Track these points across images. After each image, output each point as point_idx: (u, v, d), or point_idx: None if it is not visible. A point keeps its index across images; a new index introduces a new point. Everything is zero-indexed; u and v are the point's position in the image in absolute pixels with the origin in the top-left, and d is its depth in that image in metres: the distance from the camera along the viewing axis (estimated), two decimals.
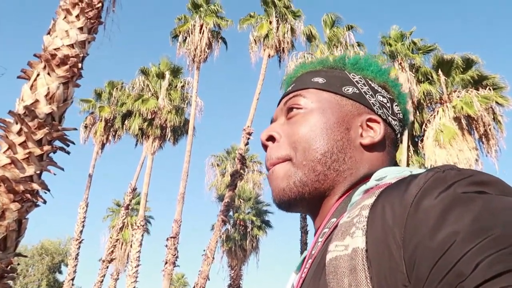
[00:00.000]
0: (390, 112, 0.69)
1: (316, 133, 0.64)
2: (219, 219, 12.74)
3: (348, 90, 0.68)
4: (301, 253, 16.93)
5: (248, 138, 14.20)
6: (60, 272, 31.65)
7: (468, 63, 14.61)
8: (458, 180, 0.43)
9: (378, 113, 0.67)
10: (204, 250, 12.12)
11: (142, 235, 16.73)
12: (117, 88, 19.64)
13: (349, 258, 0.45)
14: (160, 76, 18.65)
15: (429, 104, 16.02)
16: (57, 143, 5.15)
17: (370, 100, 0.68)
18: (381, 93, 0.69)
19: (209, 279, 11.88)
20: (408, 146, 15.34)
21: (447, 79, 15.28)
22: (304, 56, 16.56)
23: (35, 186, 4.55)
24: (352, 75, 0.70)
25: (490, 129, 13.55)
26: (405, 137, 15.11)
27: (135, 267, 15.92)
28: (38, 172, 4.66)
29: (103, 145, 20.30)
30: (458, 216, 0.39)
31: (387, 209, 0.45)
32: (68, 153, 5.28)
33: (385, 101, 0.69)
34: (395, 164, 0.69)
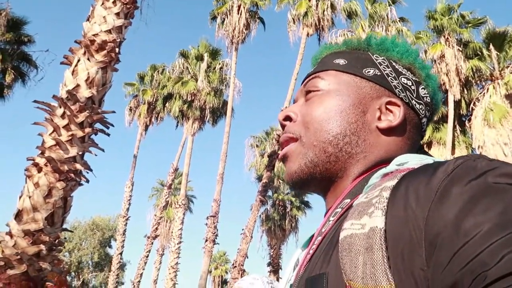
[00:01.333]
0: (415, 96, 0.66)
1: (330, 114, 0.64)
2: (257, 199, 12.92)
3: (369, 72, 0.66)
4: None
5: None
6: (110, 247, 33.57)
7: None
8: (490, 169, 0.42)
9: (400, 96, 0.65)
10: (242, 229, 12.38)
11: (184, 214, 17.34)
12: (158, 71, 20.12)
13: (366, 237, 0.45)
14: (199, 58, 18.87)
15: (478, 82, 15.15)
16: (98, 126, 5.41)
17: (392, 82, 0.66)
18: (405, 75, 0.67)
19: (247, 257, 12.17)
20: (454, 126, 14.67)
21: (499, 54, 14.33)
22: (344, 34, 16.09)
23: (78, 166, 4.83)
24: (376, 56, 0.68)
25: None
26: (450, 117, 14.44)
27: (177, 243, 16.58)
28: (80, 153, 4.94)
29: (146, 127, 21.01)
30: (487, 206, 0.38)
31: (411, 192, 0.44)
32: (108, 135, 5.53)
33: (410, 84, 0.67)
34: (419, 149, 0.67)
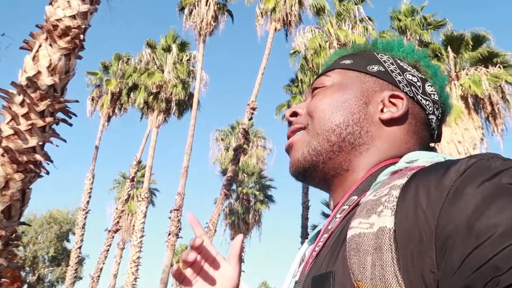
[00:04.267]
0: (421, 91, 0.67)
1: (332, 104, 0.65)
2: (221, 192, 12.90)
3: (373, 68, 0.67)
4: (303, 227, 17.20)
5: (252, 113, 14.17)
6: (68, 241, 32.47)
7: (478, 40, 14.29)
8: (504, 169, 0.41)
9: (405, 90, 0.66)
10: (206, 223, 12.34)
11: (147, 207, 17.03)
12: (123, 61, 19.55)
13: (375, 237, 0.44)
14: (167, 49, 18.49)
15: None
16: (60, 115, 5.20)
17: (396, 77, 0.66)
18: (410, 72, 0.68)
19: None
20: None
21: (456, 56, 14.99)
22: (312, 30, 16.28)
23: (38, 157, 4.63)
24: (381, 55, 0.70)
25: (498, 108, 13.39)
26: None
27: (140, 237, 16.28)
28: (40, 143, 4.72)
29: (109, 118, 20.40)
30: (501, 208, 0.37)
31: (421, 191, 0.43)
32: (70, 125, 5.33)
33: (415, 80, 0.67)
34: (427, 146, 0.67)
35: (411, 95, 0.66)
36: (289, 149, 0.67)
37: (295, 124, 0.68)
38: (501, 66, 13.54)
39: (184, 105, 18.55)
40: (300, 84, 17.64)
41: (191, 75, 18.63)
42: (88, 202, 18.27)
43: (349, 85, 0.66)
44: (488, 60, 13.91)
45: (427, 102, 0.67)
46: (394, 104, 0.64)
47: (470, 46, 14.36)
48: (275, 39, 15.18)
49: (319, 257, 0.54)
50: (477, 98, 13.81)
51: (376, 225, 0.44)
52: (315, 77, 0.75)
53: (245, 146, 14.28)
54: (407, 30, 15.53)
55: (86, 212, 18.00)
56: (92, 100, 20.63)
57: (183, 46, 18.61)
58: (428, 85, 0.68)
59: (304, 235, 16.79)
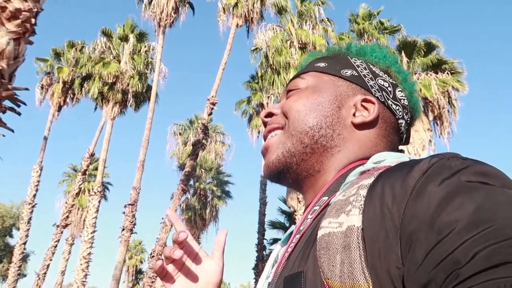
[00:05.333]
0: (391, 96, 0.68)
1: (306, 106, 0.66)
2: (178, 187, 12.71)
3: (347, 72, 0.69)
4: (260, 223, 17.34)
5: (212, 108, 14.06)
6: (11, 236, 30.74)
7: (430, 47, 15.01)
8: (463, 168, 0.43)
9: (376, 95, 0.67)
10: (162, 218, 12.12)
11: (99, 201, 16.44)
12: (76, 49, 18.70)
13: (343, 236, 0.45)
14: (124, 39, 17.89)
15: None
16: (7, 103, 4.89)
17: (368, 82, 0.68)
18: (382, 77, 0.69)
19: (167, 247, 11.95)
20: None
21: (409, 61, 15.67)
22: (273, 28, 16.38)
23: None
24: (354, 59, 0.71)
25: (444, 112, 14.15)
26: None
27: (91, 233, 15.69)
28: None
29: (60, 108, 19.46)
30: (460, 204, 0.39)
31: (387, 190, 0.45)
32: (19, 114, 5.04)
33: (386, 85, 0.69)
34: (395, 150, 0.68)
35: (382, 100, 0.67)
36: (264, 152, 0.68)
37: (272, 124, 0.69)
38: (449, 72, 14.32)
39: (141, 97, 18.06)
40: (260, 80, 17.71)
41: (149, 67, 18.16)
42: (34, 195, 17.34)
43: (323, 89, 0.68)
44: (437, 66, 14.66)
45: (397, 107, 0.69)
46: (366, 108, 0.66)
47: (422, 52, 15.06)
48: (237, 35, 15.16)
49: (291, 257, 0.55)
50: (426, 101, 14.52)
51: (345, 224, 0.46)
52: (289, 78, 0.74)
53: (203, 141, 14.15)
54: (365, 33, 16.02)
55: (32, 206, 17.08)
56: (42, 88, 19.56)
57: (141, 37, 18.08)
58: (399, 91, 0.70)
59: (261, 231, 16.93)
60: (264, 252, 16.79)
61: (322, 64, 0.71)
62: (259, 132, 19.09)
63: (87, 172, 18.56)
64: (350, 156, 0.64)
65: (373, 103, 0.66)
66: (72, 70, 18.81)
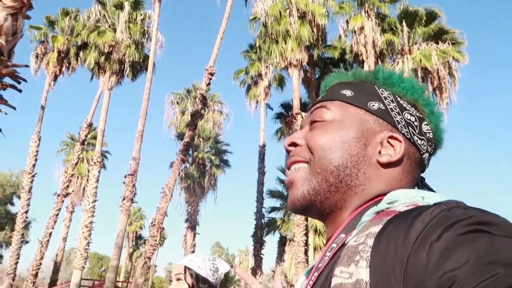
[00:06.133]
0: (417, 131, 0.67)
1: (333, 144, 0.65)
2: (178, 158, 12.82)
3: (374, 105, 0.67)
4: (258, 192, 17.55)
5: (210, 78, 13.96)
6: (12, 204, 31.16)
7: (431, 16, 14.78)
8: (464, 219, 0.43)
9: (402, 131, 0.66)
10: (162, 188, 12.30)
11: (99, 171, 16.61)
12: (71, 17, 18.27)
13: None
14: (119, 7, 17.47)
15: (390, 55, 16.29)
16: (7, 80, 4.88)
17: (395, 117, 0.66)
18: (409, 111, 0.68)
19: (167, 216, 12.21)
20: None
21: (410, 31, 15.46)
22: None
23: None
24: (382, 90, 0.69)
25: (444, 83, 14.13)
26: None
27: (92, 202, 15.96)
28: None
29: (55, 77, 19.24)
30: (459, 257, 0.40)
31: (391, 243, 0.46)
32: (20, 91, 5.03)
33: (413, 120, 0.67)
34: (418, 184, 0.69)
35: (408, 136, 0.66)
36: (289, 185, 0.69)
37: (296, 156, 0.69)
38: (450, 42, 14.18)
39: (138, 67, 17.86)
40: (258, 50, 17.48)
41: (146, 35, 17.85)
42: (34, 165, 17.48)
43: (350, 124, 0.67)
44: (438, 36, 14.49)
45: (423, 142, 0.67)
46: (392, 145, 0.65)
47: (423, 22, 14.84)
48: (235, 3, 14.79)
49: None
50: (426, 71, 14.46)
51: (354, 276, 0.48)
52: (312, 104, 0.74)
53: (202, 111, 14.15)
54: (366, 2, 15.69)
55: (33, 176, 17.25)
56: (37, 57, 19.25)
57: (136, 5, 17.66)
58: (425, 124, 0.68)
59: (260, 200, 17.22)
60: (262, 220, 17.18)
61: (348, 93, 0.69)
62: (257, 102, 19.04)
63: (85, 142, 18.62)
64: (373, 193, 0.64)
65: (400, 141, 0.65)
66: (67, 39, 18.47)
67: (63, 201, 17.77)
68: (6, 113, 4.70)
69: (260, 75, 18.60)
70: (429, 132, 0.68)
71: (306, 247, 15.52)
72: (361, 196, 0.64)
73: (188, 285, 1.86)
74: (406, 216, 0.48)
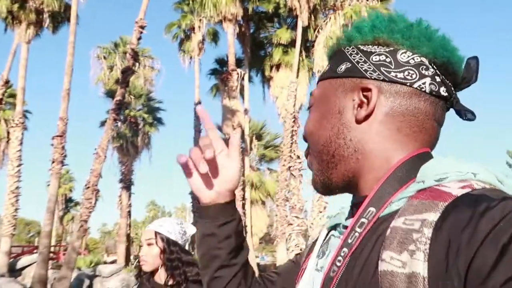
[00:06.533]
0: (393, 66, 0.61)
1: (316, 125, 0.66)
2: (110, 117, 12.26)
3: (341, 68, 0.64)
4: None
5: (141, 32, 13.19)
6: None
7: None
8: None
9: (372, 77, 0.61)
10: (95, 149, 11.80)
11: (22, 133, 15.37)
12: None
13: (407, 280, 0.45)
14: None
15: (324, 10, 16.52)
16: None
17: (362, 67, 0.62)
18: (376, 51, 0.62)
19: (101, 177, 11.83)
20: (301, 51, 16.00)
21: None
22: None
23: None
24: (347, 49, 0.65)
25: None
26: (298, 42, 15.61)
27: (17, 166, 14.86)
28: None
29: None
30: None
31: (453, 238, 0.44)
32: None
33: (383, 58, 0.61)
34: (432, 117, 0.61)
35: (382, 78, 0.60)
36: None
37: (307, 148, 0.71)
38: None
39: (59, 18, 16.24)
40: (191, 2, 16.76)
41: None
42: None
43: (325, 99, 0.66)
44: None
45: (406, 72, 0.60)
46: (366, 98, 0.61)
47: None
48: None
49: (343, 280, 0.54)
50: None
51: (409, 267, 0.46)
52: None
53: (133, 67, 13.47)
54: None
55: None
56: None
57: None
58: (402, 53, 0.61)
59: None
60: None
61: (326, 69, 0.69)
62: (191, 57, 18.50)
63: (2, 101, 16.97)
64: (381, 154, 0.60)
65: (369, 89, 0.61)
66: None
67: None
68: None
69: (193, 29, 17.95)
70: (411, 58, 0.61)
71: (243, 201, 16.05)
72: (368, 160, 0.60)
73: (160, 248, 1.90)
74: (471, 209, 0.45)
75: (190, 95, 25.62)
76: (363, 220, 0.57)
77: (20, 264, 15.30)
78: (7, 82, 16.75)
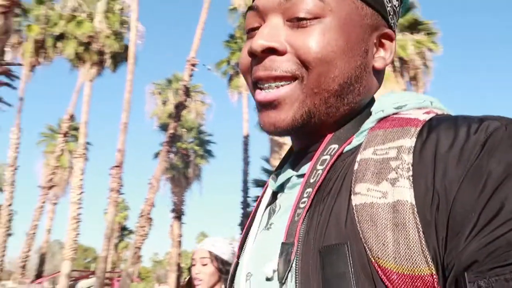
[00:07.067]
0: (397, 18, 0.57)
1: (336, 54, 0.50)
2: (164, 149, 13.00)
3: None
4: (244, 182, 17.86)
5: (192, 69, 14.07)
6: None
7: (407, 8, 15.19)
8: None
9: (390, 24, 0.55)
10: (149, 179, 12.50)
11: (84, 164, 16.63)
12: (46, 6, 17.95)
13: (392, 210, 0.40)
14: None
15: None
16: (2, 78, 5.01)
17: (387, 6, 0.54)
18: None
19: (154, 206, 12.44)
20: None
21: None
22: None
23: None
24: None
25: (419, 73, 14.65)
26: None
27: (79, 194, 16.01)
28: None
29: (33, 67, 18.94)
30: None
31: (438, 160, 0.40)
32: (15, 88, 5.18)
33: (397, 5, 0.56)
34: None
35: (394, 29, 0.56)
36: (271, 104, 0.52)
37: (279, 70, 0.51)
38: (424, 33, 14.67)
39: (118, 58, 17.73)
40: (239, 41, 17.63)
41: (125, 25, 17.71)
42: (16, 157, 17.33)
43: (351, 23, 0.51)
44: (414, 27, 14.94)
45: (395, 20, 0.57)
46: (383, 45, 0.55)
47: None
48: None
49: (313, 219, 0.46)
50: (402, 61, 14.93)
51: (391, 196, 0.41)
52: None
53: (185, 103, 14.30)
54: None
55: (15, 168, 17.12)
56: (12, 46, 18.87)
57: None
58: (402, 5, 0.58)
59: (245, 190, 17.54)
60: (248, 209, 17.54)
61: None
62: (240, 92, 19.24)
63: (67, 134, 18.51)
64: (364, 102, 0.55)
65: (392, 39, 0.55)
66: (43, 28, 18.17)
67: (47, 194, 17.73)
68: (5, 110, 4.85)
69: None
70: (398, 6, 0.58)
71: None
72: (357, 110, 0.55)
73: (214, 268, 1.96)
74: (451, 130, 0.42)
75: (239, 128, 26.32)
76: (324, 157, 0.51)
77: (78, 287, 16.13)
78: (71, 116, 18.32)
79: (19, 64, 5.23)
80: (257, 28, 0.53)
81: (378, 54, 0.55)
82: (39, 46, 18.51)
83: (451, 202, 0.39)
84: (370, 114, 0.52)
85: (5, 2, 5.03)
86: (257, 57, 0.52)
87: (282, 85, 0.51)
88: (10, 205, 16.88)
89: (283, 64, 0.50)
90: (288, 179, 0.56)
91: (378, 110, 0.51)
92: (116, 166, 13.09)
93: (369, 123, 0.50)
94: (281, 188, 0.58)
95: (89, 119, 17.15)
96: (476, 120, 0.42)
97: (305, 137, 0.55)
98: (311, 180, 0.49)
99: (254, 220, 0.59)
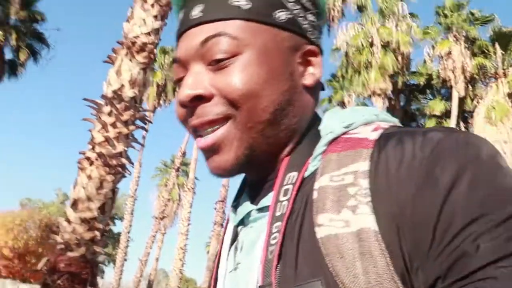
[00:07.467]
0: (318, 32, 0.57)
1: (261, 86, 0.50)
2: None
3: (281, 16, 0.53)
4: None
5: None
6: (114, 224, 34.42)
7: None
8: (475, 145, 0.41)
9: (312, 39, 0.55)
10: None
11: (193, 197, 17.98)
12: (169, 55, 20.38)
13: (357, 239, 0.41)
14: None
15: (482, 79, 15.59)
16: (138, 123, 5.89)
17: (303, 24, 0.54)
18: (311, 10, 0.56)
19: None
20: (458, 122, 15.17)
21: (504, 53, 14.72)
22: (355, 27, 16.38)
23: (124, 160, 5.34)
24: None
25: None
26: (454, 113, 14.91)
27: (187, 226, 17.26)
28: (125, 148, 5.43)
29: (154, 109, 21.39)
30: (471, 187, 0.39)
31: (393, 185, 0.41)
32: (147, 130, 6.01)
33: (315, 20, 0.56)
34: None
35: (317, 44, 0.56)
36: (211, 149, 0.52)
37: (210, 114, 0.51)
38: None
39: None
40: (341, 80, 17.83)
41: None
42: (136, 189, 19.43)
43: (269, 52, 0.52)
44: None
45: (318, 36, 0.57)
46: (309, 62, 0.55)
47: None
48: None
49: (288, 255, 0.46)
50: None
51: (354, 224, 0.41)
52: (185, 28, 0.55)
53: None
54: (453, 26, 15.36)
55: (135, 199, 19.17)
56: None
57: None
58: (320, 18, 0.58)
59: None
60: None
61: (243, 3, 0.52)
62: None
63: (179, 169, 20.29)
64: (309, 124, 0.55)
65: (317, 53, 0.55)
66: (165, 74, 20.55)
67: (160, 223, 19.42)
68: (138, 150, 5.67)
69: (343, 103, 18.84)
70: (318, 24, 0.58)
71: None
72: (299, 133, 0.54)
73: None
74: (398, 148, 0.43)
75: None
76: (286, 187, 0.50)
77: None
78: (184, 153, 20.06)
79: (151, 111, 6.09)
80: (182, 79, 0.54)
81: (308, 71, 0.55)
82: (161, 90, 20.94)
83: (409, 222, 0.40)
84: (318, 133, 0.52)
85: (145, 60, 5.96)
86: (188, 106, 0.53)
87: (217, 128, 0.52)
88: (128, 232, 18.81)
89: (213, 108, 0.51)
90: (248, 213, 0.55)
91: (327, 131, 0.51)
92: (221, 201, 13.87)
93: (321, 146, 0.50)
94: (241, 222, 0.57)
95: (198, 156, 18.63)
96: (420, 133, 0.43)
97: (256, 169, 0.55)
98: (277, 214, 0.48)
99: (221, 261, 0.57)
